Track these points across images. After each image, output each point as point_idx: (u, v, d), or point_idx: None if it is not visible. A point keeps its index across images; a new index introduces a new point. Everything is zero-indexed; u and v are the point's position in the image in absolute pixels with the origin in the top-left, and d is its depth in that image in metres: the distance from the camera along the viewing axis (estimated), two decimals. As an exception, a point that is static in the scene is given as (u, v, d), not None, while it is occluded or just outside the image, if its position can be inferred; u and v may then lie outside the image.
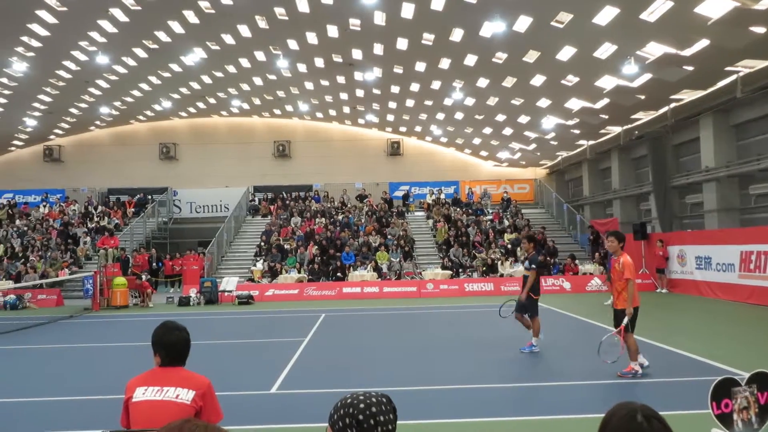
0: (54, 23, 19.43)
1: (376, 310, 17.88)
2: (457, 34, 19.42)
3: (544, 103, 23.53)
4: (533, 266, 10.20)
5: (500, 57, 20.49)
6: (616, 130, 25.55)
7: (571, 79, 20.60)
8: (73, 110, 29.73)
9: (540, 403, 7.21)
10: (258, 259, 24.97)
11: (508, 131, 28.84)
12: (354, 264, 23.97)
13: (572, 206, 30.09)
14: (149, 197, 31.76)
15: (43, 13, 18.72)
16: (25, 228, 27.93)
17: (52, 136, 33.96)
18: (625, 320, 8.05)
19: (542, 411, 6.78)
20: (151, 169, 34.19)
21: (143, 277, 21.62)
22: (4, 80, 24.00)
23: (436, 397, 7.48)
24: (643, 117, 23.25)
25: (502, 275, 23.19)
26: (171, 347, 3.54)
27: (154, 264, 25.32)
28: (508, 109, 25.65)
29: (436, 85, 24.54)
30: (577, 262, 23.60)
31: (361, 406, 1.74)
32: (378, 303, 20.00)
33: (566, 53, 18.67)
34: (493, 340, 11.29)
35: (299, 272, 23.51)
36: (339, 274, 23.46)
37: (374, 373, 8.97)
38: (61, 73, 24.14)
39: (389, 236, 26.61)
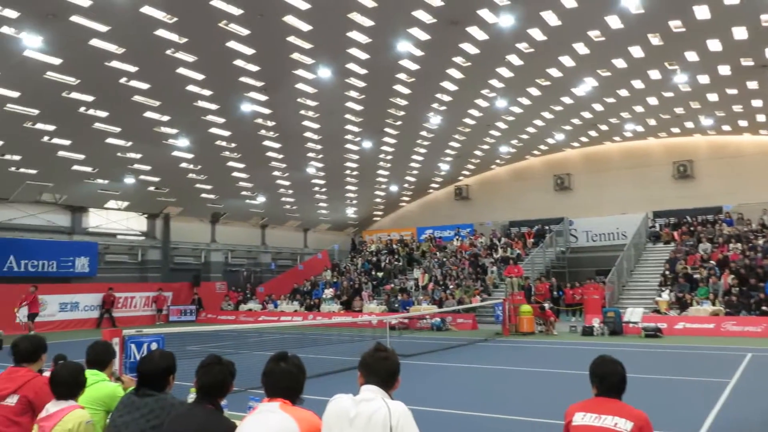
0: (461, 78, 22.06)
1: (820, 353, 14.87)
2: None
3: None
4: None
5: None
6: None
7: None
8: (477, 152, 33.03)
9: None
10: (663, 289, 23.37)
11: None
12: (784, 296, 20.43)
13: None
14: (546, 228, 32.88)
15: (452, 71, 21.48)
16: (443, 259, 31.93)
17: (460, 177, 38.30)
18: None
19: None
20: (547, 201, 35.40)
21: (546, 305, 22.38)
22: (424, 133, 28.19)
23: None
24: None
25: None
26: (605, 378, 3.65)
27: (555, 292, 26.00)
28: None
29: None
30: None
31: None
32: (822, 344, 16.59)
33: None
34: None
35: (713, 304, 21.12)
36: (764, 307, 20.28)
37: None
38: (467, 120, 27.14)
39: (832, 263, 21.92)
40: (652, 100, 25.59)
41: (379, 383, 3.01)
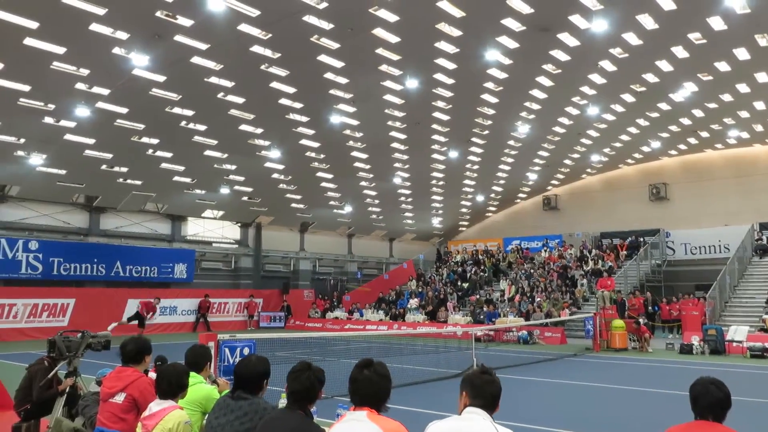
0: (550, 85, 21.58)
1: None
2: None
3: None
4: None
5: None
6: None
7: None
8: (567, 161, 32.16)
9: None
10: (771, 306, 21.82)
11: None
12: None
13: None
14: (641, 239, 31.50)
15: (541, 79, 21.05)
16: (531, 271, 31.23)
17: (549, 187, 37.41)
18: None
19: None
20: (642, 211, 33.96)
21: (640, 320, 21.40)
22: (512, 142, 27.77)
23: None
24: None
25: None
26: (697, 399, 3.47)
27: (650, 308, 24.80)
28: None
29: None
30: None
31: None
32: None
33: None
34: None
35: (830, 324, 19.50)
36: None
37: None
38: (557, 129, 26.49)
39: None
40: (759, 105, 24.03)
41: (484, 406, 2.99)
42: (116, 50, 16.59)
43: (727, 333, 19.40)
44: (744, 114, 25.35)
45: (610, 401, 11.27)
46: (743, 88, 22.15)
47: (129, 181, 25.65)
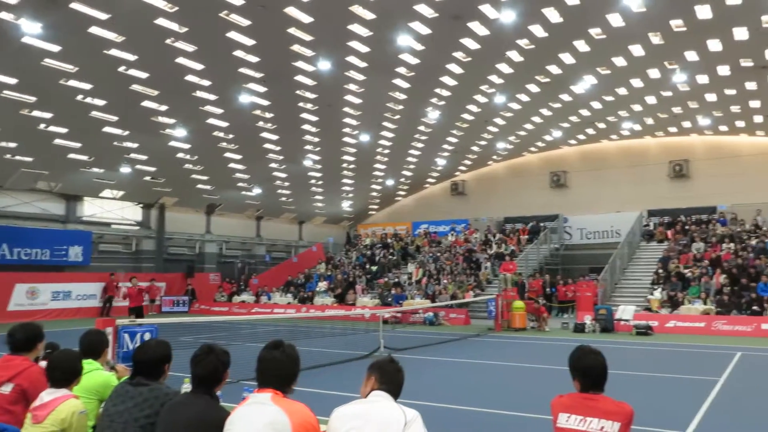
0: (460, 73, 22.03)
1: (810, 354, 14.99)
2: None
3: None
4: None
5: None
6: None
7: None
8: (475, 148, 33.04)
9: None
10: (655, 287, 23.51)
11: None
12: (776, 297, 20.56)
13: None
14: (541, 224, 32.96)
15: (452, 66, 21.44)
16: (438, 254, 31.99)
17: (457, 173, 38.32)
18: None
19: None
20: (543, 198, 35.48)
21: (539, 301, 22.46)
22: (422, 128, 28.17)
23: None
24: None
25: None
26: (587, 372, 3.62)
27: (548, 289, 26.09)
28: None
29: None
30: None
31: None
32: (812, 345, 16.71)
33: None
34: None
35: (705, 303, 21.27)
36: (755, 307, 20.44)
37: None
38: (465, 116, 27.13)
39: (824, 265, 22.05)
40: (651, 99, 25.65)
41: (390, 392, 3.13)
42: (3, 15, 15.32)
43: (616, 312, 20.75)
44: (637, 107, 26.98)
45: (510, 378, 11.79)
46: (637, 82, 23.54)
47: (18, 157, 23.85)
